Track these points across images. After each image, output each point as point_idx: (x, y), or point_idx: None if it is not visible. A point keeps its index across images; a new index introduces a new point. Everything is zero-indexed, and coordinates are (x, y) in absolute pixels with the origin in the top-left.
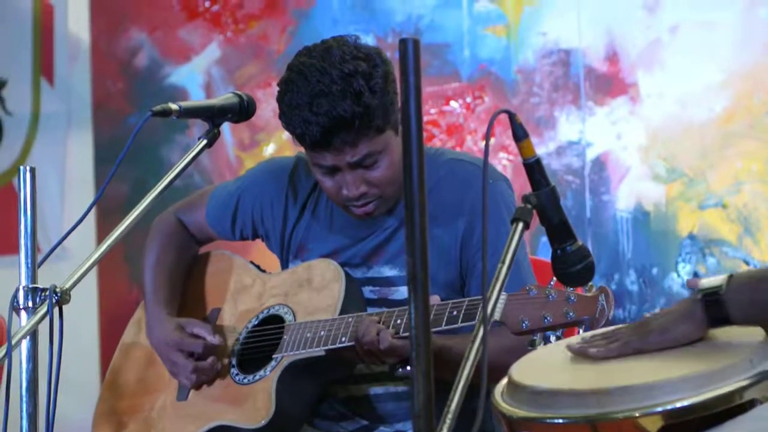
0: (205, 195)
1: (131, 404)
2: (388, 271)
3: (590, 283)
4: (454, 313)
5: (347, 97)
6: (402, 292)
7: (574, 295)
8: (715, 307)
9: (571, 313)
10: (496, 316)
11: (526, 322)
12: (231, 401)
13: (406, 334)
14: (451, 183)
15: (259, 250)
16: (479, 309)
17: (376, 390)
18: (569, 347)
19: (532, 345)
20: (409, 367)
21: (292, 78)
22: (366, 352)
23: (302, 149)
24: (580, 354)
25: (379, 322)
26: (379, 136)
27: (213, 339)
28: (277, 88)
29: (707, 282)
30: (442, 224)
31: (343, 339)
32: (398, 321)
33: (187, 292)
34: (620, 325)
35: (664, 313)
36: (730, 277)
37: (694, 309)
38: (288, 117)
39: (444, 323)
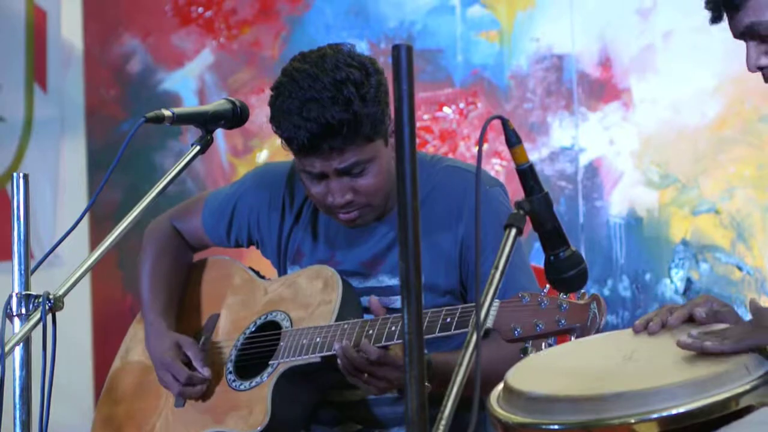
0: (200, 201)
1: (129, 410)
2: (389, 280)
3: (583, 291)
4: (448, 320)
5: (337, 103)
6: None
7: (566, 303)
8: None
9: (562, 321)
10: (489, 323)
11: (518, 330)
12: (227, 407)
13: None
14: (448, 190)
15: (254, 258)
16: (473, 316)
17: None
18: (679, 342)
19: (524, 352)
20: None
21: (284, 83)
22: (360, 373)
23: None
24: (692, 348)
25: (371, 331)
26: (367, 145)
27: (202, 371)
28: (270, 93)
29: None
30: (441, 231)
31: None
32: (392, 328)
33: (185, 298)
34: (725, 325)
35: None
36: None
37: None
38: (278, 121)
39: (438, 330)
